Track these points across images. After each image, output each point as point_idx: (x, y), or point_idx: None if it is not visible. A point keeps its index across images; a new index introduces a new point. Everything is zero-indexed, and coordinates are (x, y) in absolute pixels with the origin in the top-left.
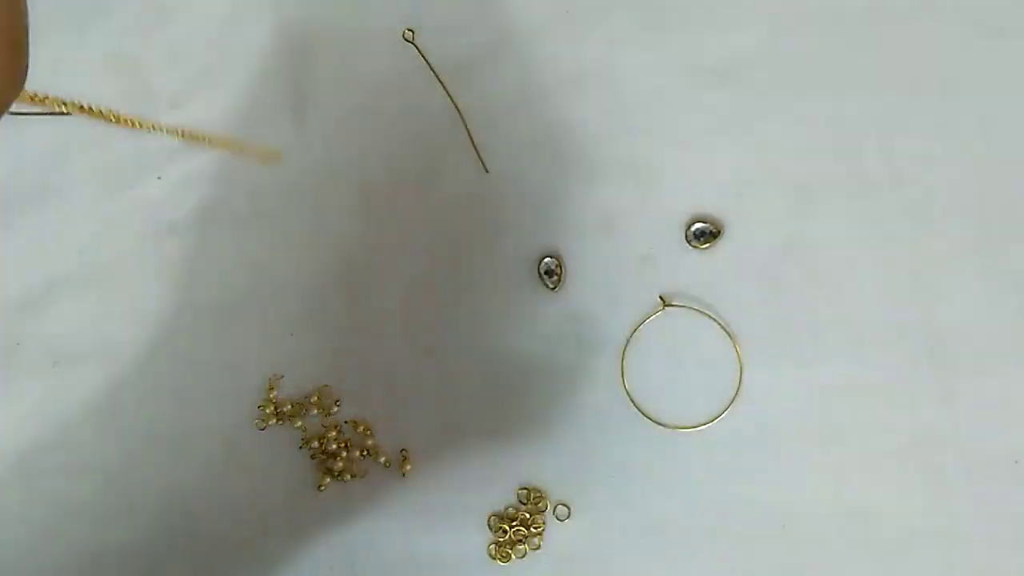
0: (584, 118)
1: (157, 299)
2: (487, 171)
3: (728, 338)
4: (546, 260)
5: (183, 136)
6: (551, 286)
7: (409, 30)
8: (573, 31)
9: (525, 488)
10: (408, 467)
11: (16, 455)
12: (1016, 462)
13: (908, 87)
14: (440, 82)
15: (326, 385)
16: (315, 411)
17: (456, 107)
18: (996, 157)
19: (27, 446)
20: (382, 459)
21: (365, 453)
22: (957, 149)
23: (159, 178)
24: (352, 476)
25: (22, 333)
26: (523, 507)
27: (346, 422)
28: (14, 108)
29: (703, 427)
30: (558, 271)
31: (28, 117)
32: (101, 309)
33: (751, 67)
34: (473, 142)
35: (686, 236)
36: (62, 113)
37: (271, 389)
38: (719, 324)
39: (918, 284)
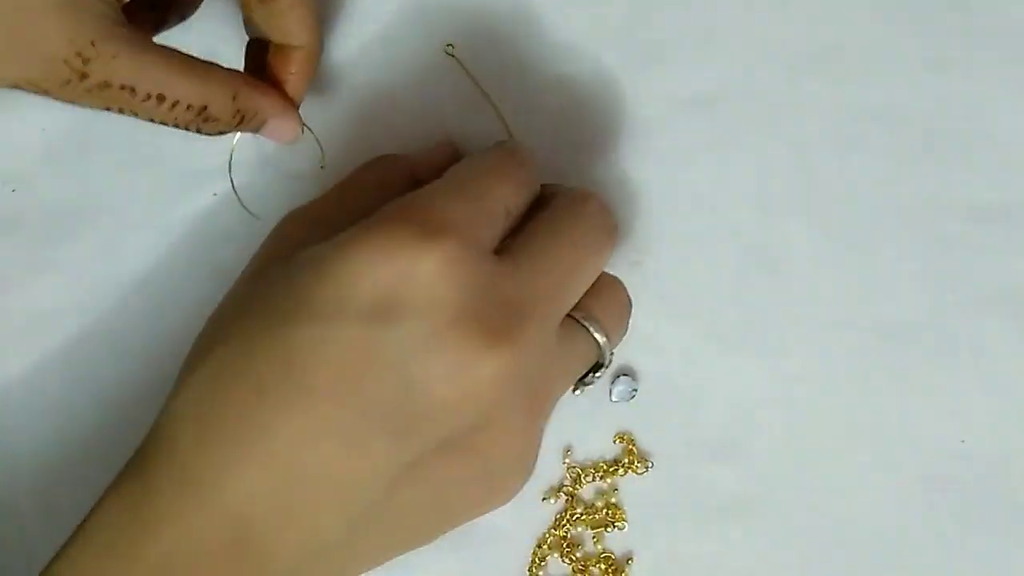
0: (590, 142)
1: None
2: None
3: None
4: None
5: None
6: None
7: (449, 44)
8: (587, 54)
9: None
10: None
11: (31, 455)
12: (963, 441)
13: (861, 114)
14: (485, 95)
15: None
16: None
17: (503, 120)
18: (939, 177)
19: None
20: None
21: None
22: (905, 168)
23: (215, 194)
24: None
25: None
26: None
27: None
28: None
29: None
30: None
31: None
32: None
33: (722, 100)
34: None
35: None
36: None
37: None
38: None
39: (867, 285)
